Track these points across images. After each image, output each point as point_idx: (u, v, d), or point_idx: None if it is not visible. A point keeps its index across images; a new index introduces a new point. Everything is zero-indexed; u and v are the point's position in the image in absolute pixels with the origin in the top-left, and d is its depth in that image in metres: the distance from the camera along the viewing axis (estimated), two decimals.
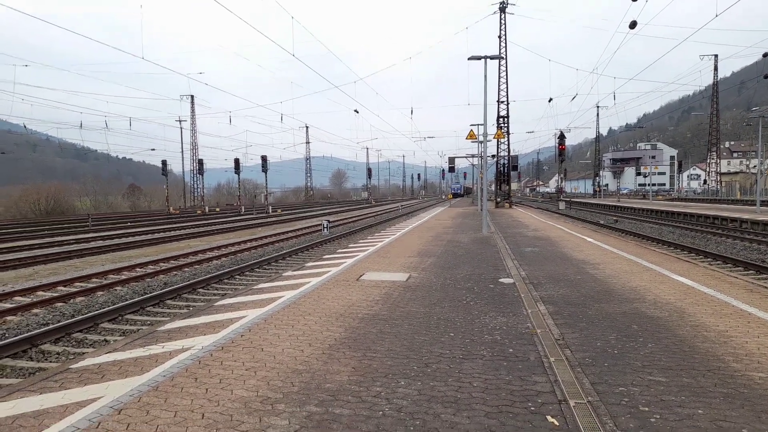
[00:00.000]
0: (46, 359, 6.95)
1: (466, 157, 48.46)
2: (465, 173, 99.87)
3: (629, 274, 9.51)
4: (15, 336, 7.59)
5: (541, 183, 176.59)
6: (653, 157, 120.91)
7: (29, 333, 7.48)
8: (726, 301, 7.12)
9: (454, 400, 3.89)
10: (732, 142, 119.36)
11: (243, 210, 54.07)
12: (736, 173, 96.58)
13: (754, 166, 76.38)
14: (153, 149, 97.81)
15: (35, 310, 9.67)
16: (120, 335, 7.96)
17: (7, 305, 10.00)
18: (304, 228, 28.90)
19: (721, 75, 62.57)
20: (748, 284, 8.45)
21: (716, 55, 58.71)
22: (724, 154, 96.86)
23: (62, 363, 6.31)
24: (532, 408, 3.74)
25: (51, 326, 7.88)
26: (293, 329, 5.90)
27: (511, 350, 5.09)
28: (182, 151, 66.83)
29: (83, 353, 6.89)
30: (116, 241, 23.09)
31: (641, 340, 5.35)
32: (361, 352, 5.05)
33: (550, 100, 48.90)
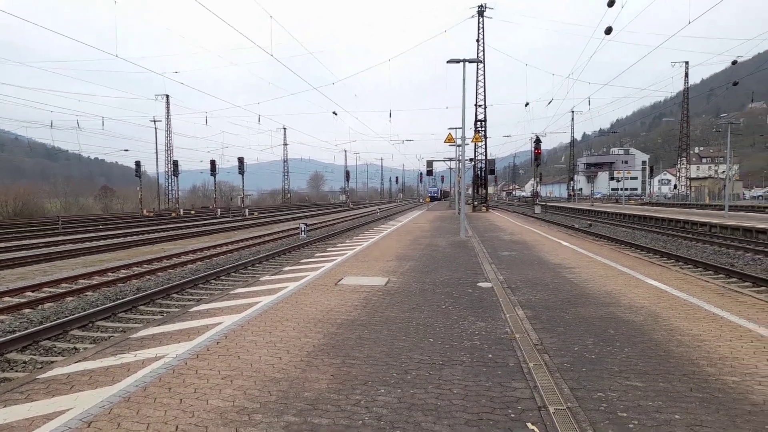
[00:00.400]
0: (12, 369, 6.69)
1: (444, 161, 48.76)
2: (443, 177, 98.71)
3: (604, 278, 9.64)
4: None
5: (517, 187, 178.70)
6: (626, 162, 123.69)
7: None
8: (698, 305, 7.26)
9: (434, 408, 3.86)
10: (701, 148, 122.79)
11: (219, 213, 53.35)
12: (705, 178, 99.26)
13: (723, 172, 78.68)
14: (126, 150, 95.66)
15: (1, 317, 9.32)
16: (90, 343, 7.72)
17: None
18: (282, 231, 28.64)
19: (691, 82, 64.28)
20: (718, 288, 8.64)
21: (687, 62, 60.38)
22: (694, 159, 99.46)
23: (29, 373, 6.09)
24: (513, 415, 3.74)
25: (17, 334, 7.61)
26: (271, 336, 5.80)
27: (490, 356, 5.09)
28: (156, 152, 65.60)
29: (51, 362, 6.67)
30: (87, 244, 22.50)
31: (618, 344, 5.40)
32: (340, 359, 4.99)
33: (527, 104, 49.65)
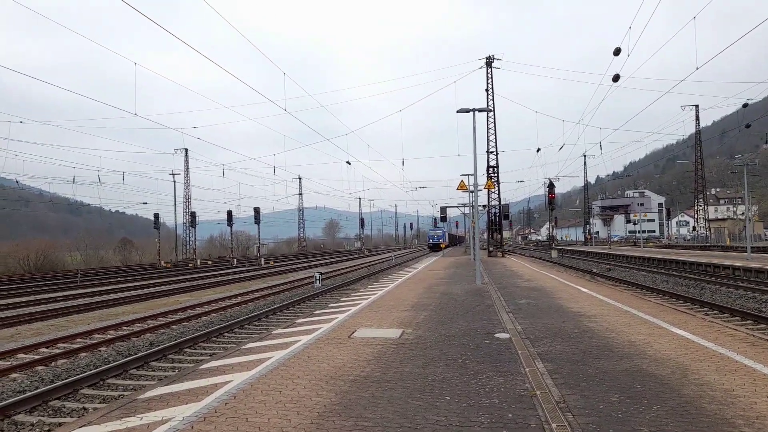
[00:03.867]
0: None
1: (457, 207, 48.80)
2: (456, 222, 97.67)
3: (627, 327, 9.31)
4: None
5: (532, 231, 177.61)
6: (641, 204, 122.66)
7: (3, 402, 7.08)
8: (728, 356, 6.93)
9: None
10: (718, 189, 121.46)
11: (235, 262, 53.55)
12: (724, 219, 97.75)
13: (742, 213, 77.42)
14: (146, 203, 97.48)
15: (13, 375, 9.25)
16: (100, 402, 7.56)
17: None
18: (297, 280, 28.52)
19: (702, 124, 64.30)
20: (748, 336, 8.28)
21: (697, 105, 60.56)
22: (711, 200, 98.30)
23: None
24: None
25: (27, 394, 7.49)
26: (281, 395, 5.62)
27: (510, 415, 4.84)
28: (175, 204, 66.76)
29: (59, 423, 6.52)
30: (104, 297, 22.57)
31: (645, 401, 5.12)
32: (352, 420, 4.78)
33: (538, 150, 49.89)
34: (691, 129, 62.51)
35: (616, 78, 19.73)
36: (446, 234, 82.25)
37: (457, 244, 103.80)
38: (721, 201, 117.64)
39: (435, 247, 77.32)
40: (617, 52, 17.99)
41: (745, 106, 34.70)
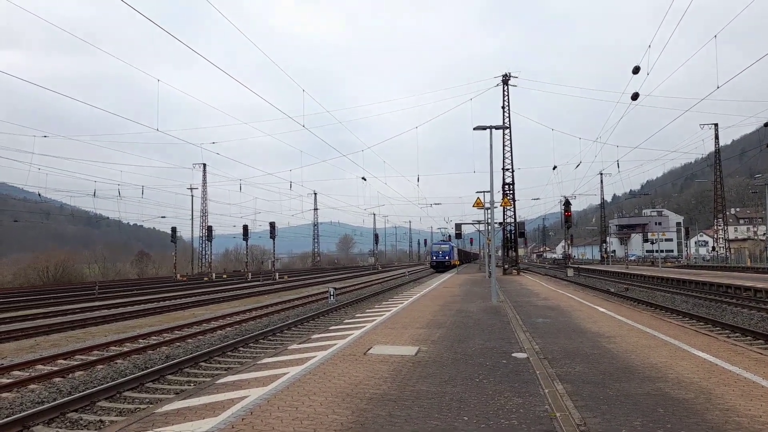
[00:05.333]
0: None
1: (472, 224, 48.57)
2: (471, 239, 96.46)
3: (647, 348, 9.13)
4: (6, 417, 7.26)
5: (547, 249, 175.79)
6: (659, 223, 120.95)
7: (22, 414, 7.15)
8: (754, 380, 6.75)
9: None
10: (738, 209, 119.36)
11: (250, 276, 53.78)
12: (744, 240, 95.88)
13: (763, 234, 75.89)
14: (164, 216, 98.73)
15: (32, 386, 9.35)
16: (117, 414, 7.60)
17: (5, 380, 9.69)
18: (311, 295, 28.54)
19: (721, 143, 63.49)
20: None
21: (716, 124, 59.87)
22: (731, 220, 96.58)
23: None
24: None
25: (46, 405, 7.56)
26: (297, 412, 5.60)
27: None
28: (192, 219, 67.55)
29: None
30: (121, 310, 22.80)
31: (669, 426, 5.00)
32: None
33: (555, 167, 49.60)
34: (710, 148, 61.76)
35: (635, 96, 19.65)
36: (455, 249, 66.99)
37: (471, 261, 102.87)
38: (741, 221, 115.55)
39: (440, 267, 59.59)
40: (636, 70, 17.95)
41: (766, 125, 34.26)
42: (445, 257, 61.54)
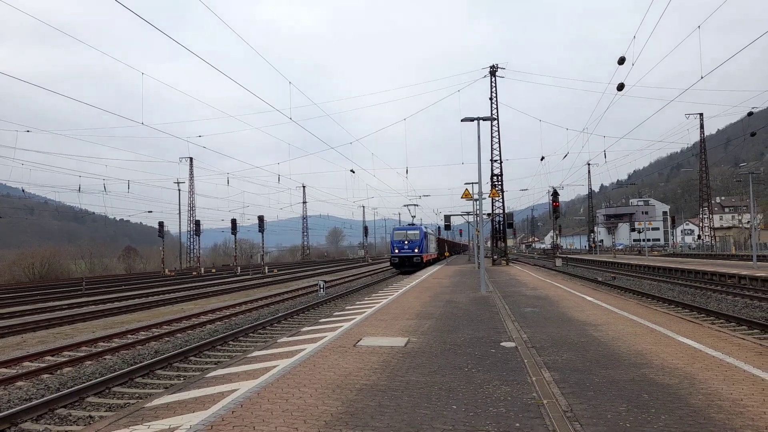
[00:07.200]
0: None
1: (461, 215, 48.72)
2: (461, 230, 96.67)
3: (633, 336, 9.27)
4: None
5: (536, 239, 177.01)
6: (646, 212, 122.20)
7: (9, 411, 7.10)
8: (736, 365, 6.89)
9: None
10: (723, 198, 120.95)
11: (239, 270, 53.58)
12: (729, 228, 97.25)
13: (747, 221, 77.07)
14: (150, 211, 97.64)
15: (19, 383, 9.27)
16: (106, 410, 7.57)
17: None
18: (301, 288, 28.52)
19: (707, 132, 64.11)
20: (755, 345, 8.23)
21: (701, 114, 60.53)
22: (716, 209, 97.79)
23: None
24: None
25: (34, 402, 7.51)
26: (287, 403, 5.62)
27: (517, 424, 4.83)
28: (179, 213, 66.97)
29: None
30: (109, 305, 22.62)
31: (653, 411, 5.10)
32: (359, 429, 4.78)
33: (542, 158, 49.81)
34: (696, 137, 62.74)
35: (620, 87, 19.75)
36: (429, 238, 48.18)
37: (460, 252, 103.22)
38: (726, 209, 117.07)
39: (405, 265, 40.26)
40: (621, 61, 18.04)
41: (750, 114, 34.68)
42: (412, 250, 40.62)
